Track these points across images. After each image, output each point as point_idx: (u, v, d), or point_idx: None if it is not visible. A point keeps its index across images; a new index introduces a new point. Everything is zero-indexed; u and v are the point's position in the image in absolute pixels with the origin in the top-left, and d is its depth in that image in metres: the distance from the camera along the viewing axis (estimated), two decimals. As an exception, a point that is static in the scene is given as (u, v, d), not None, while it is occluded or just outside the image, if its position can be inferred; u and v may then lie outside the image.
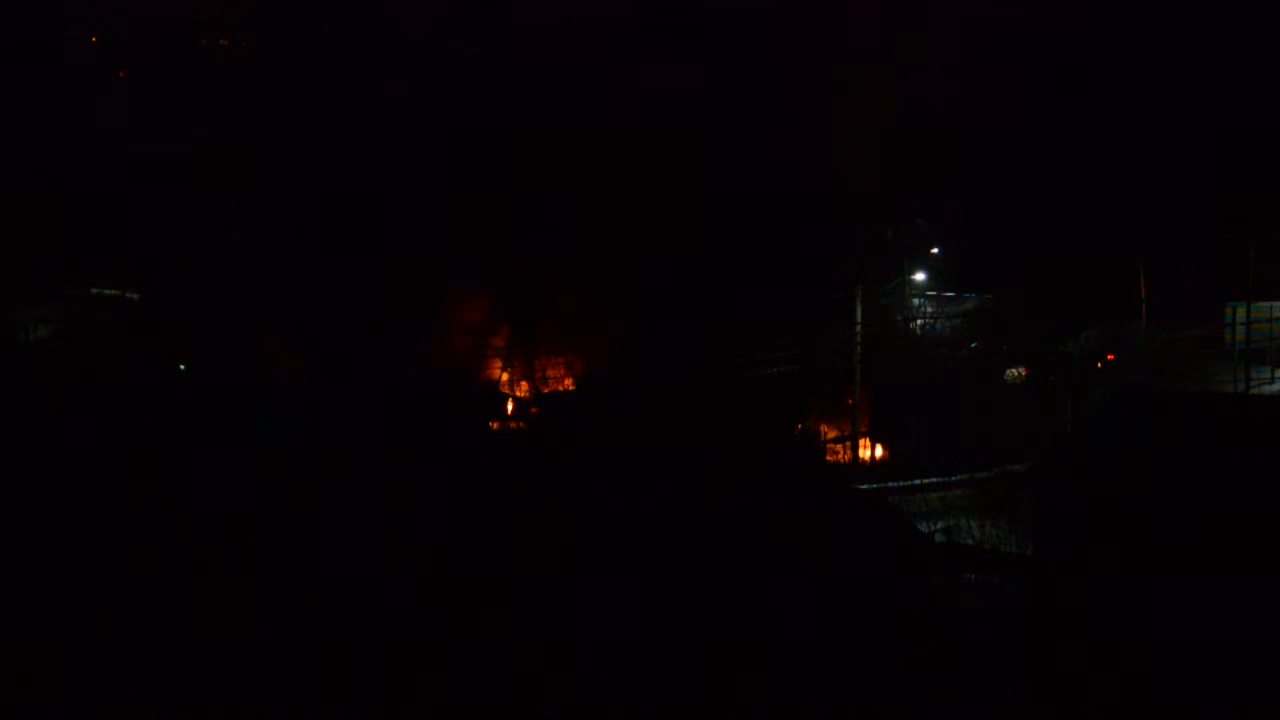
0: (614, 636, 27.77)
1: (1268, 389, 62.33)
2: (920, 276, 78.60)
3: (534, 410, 62.92)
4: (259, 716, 26.24)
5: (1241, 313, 65.49)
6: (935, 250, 79.73)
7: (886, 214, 73.42)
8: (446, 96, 66.74)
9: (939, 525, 41.81)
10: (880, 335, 65.50)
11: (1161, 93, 73.45)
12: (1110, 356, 68.74)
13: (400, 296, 61.32)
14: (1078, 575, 31.47)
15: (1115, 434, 34.65)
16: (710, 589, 29.58)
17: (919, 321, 74.00)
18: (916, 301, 77.23)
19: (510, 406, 63.53)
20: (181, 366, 59.05)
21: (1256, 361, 64.02)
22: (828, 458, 61.56)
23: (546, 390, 65.04)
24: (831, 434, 63.47)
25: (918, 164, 73.93)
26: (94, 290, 64.95)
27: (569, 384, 65.43)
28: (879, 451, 63.56)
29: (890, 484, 54.72)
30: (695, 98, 68.31)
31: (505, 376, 64.97)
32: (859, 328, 62.04)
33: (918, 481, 54.38)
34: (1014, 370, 69.05)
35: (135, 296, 65.53)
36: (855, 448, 62.73)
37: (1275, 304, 66.06)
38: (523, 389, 64.86)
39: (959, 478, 54.30)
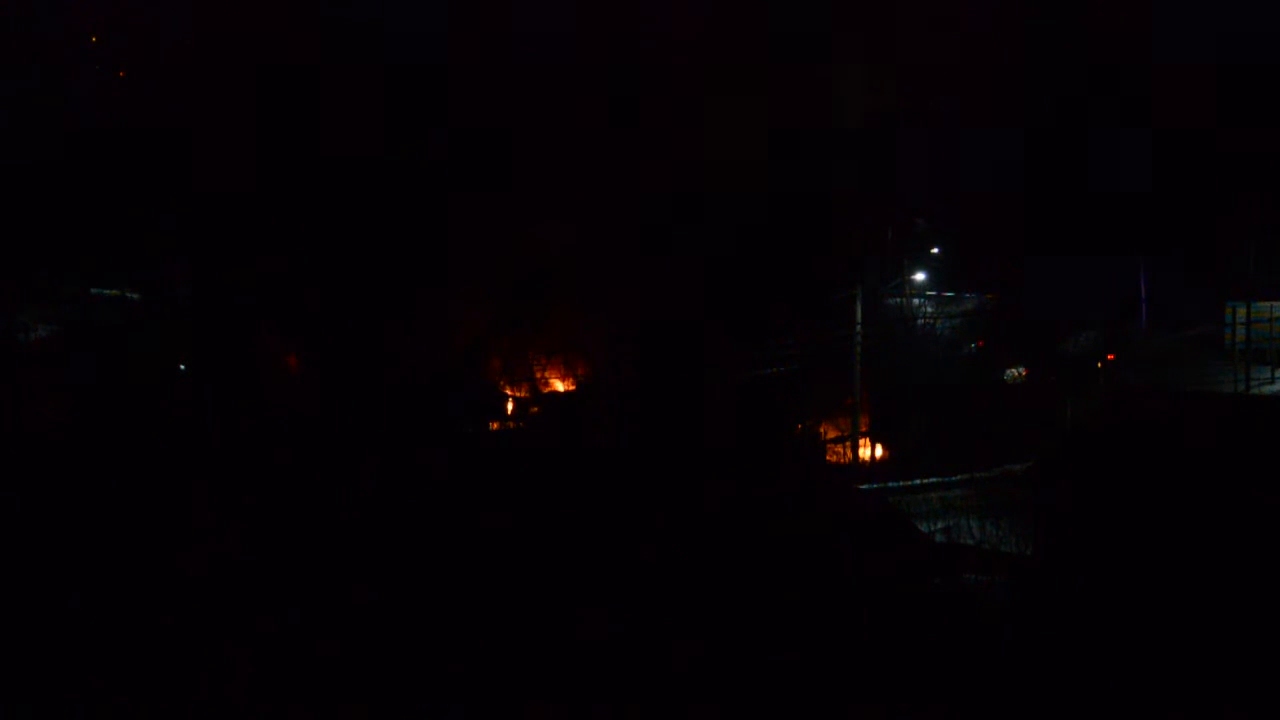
0: (612, 638, 27.77)
1: (1268, 389, 62.27)
2: (920, 276, 78.65)
3: (534, 410, 62.92)
4: (259, 716, 26.24)
5: (1241, 313, 65.41)
6: (935, 250, 79.77)
7: (886, 214, 73.48)
8: (445, 94, 66.77)
9: (939, 525, 41.78)
10: (880, 335, 65.56)
11: (1161, 91, 73.47)
12: (1110, 356, 68.76)
13: (400, 296, 61.34)
14: (1078, 575, 31.46)
15: (1115, 434, 34.65)
16: (709, 591, 29.58)
17: (919, 321, 74.03)
18: (916, 301, 77.28)
19: (510, 406, 63.52)
20: (181, 367, 59.04)
21: (1256, 361, 63.95)
22: (828, 458, 61.58)
23: (546, 390, 65.05)
24: (831, 434, 63.49)
25: (918, 164, 73.98)
26: (94, 290, 64.91)
27: (569, 384, 65.44)
28: (879, 451, 63.57)
29: (890, 484, 54.72)
30: (692, 96, 68.38)
31: (505, 377, 64.98)
32: (859, 328, 62.07)
33: (918, 481, 54.37)
34: (1014, 370, 69.09)
35: (135, 296, 65.50)
36: (855, 448, 62.75)
37: (1275, 304, 66.01)
38: (523, 389, 64.85)
39: (959, 478, 54.28)
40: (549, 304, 64.70)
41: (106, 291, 65.37)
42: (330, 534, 31.54)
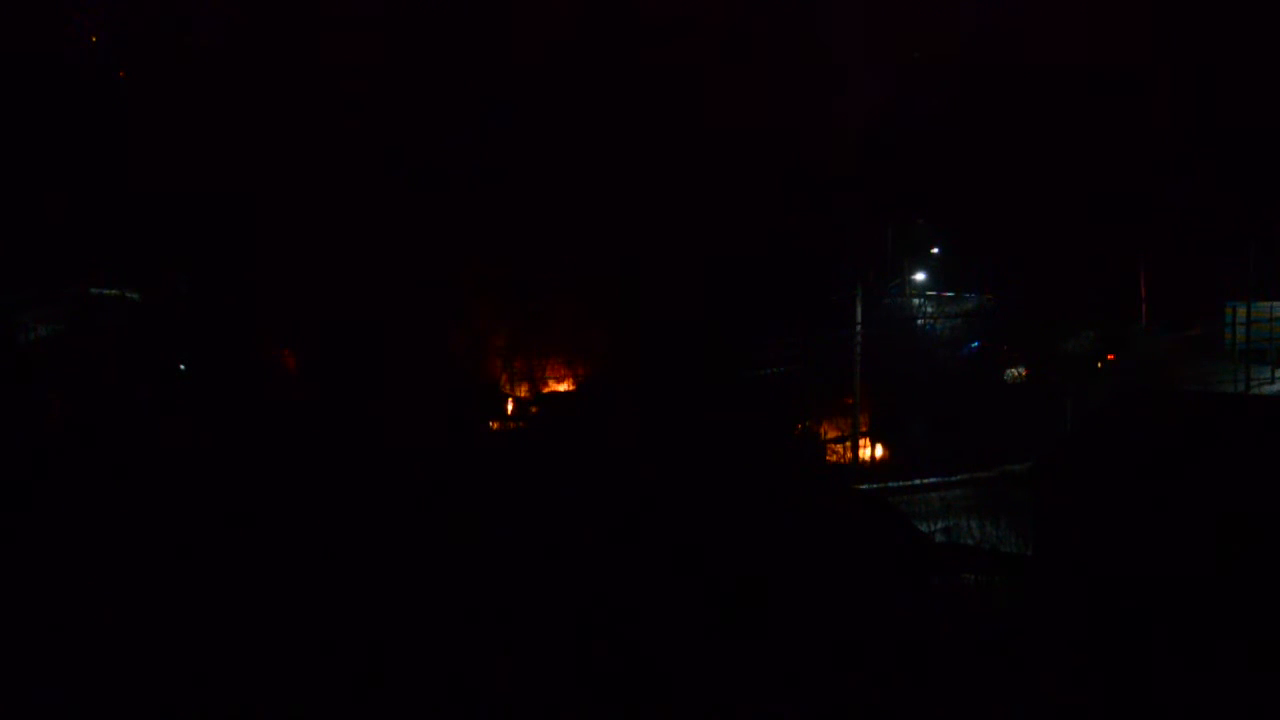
0: (609, 638, 27.76)
1: (1268, 389, 62.31)
2: (920, 276, 78.62)
3: (534, 410, 62.88)
4: (261, 717, 26.23)
5: (1241, 313, 65.45)
6: (935, 250, 79.76)
7: (886, 213, 73.46)
8: (444, 95, 66.76)
9: (939, 525, 41.73)
10: (880, 335, 65.45)
11: (1162, 91, 73.49)
12: (1110, 356, 68.72)
13: (400, 296, 61.29)
14: (1078, 575, 31.45)
15: (1115, 434, 34.62)
16: (709, 590, 29.56)
17: (919, 321, 73.98)
18: (916, 301, 77.24)
19: (510, 406, 63.48)
20: (181, 367, 59.04)
21: (1256, 361, 63.98)
22: (828, 458, 61.50)
23: (546, 390, 65.03)
24: (831, 434, 63.39)
25: (917, 163, 73.98)
26: (94, 290, 64.93)
27: (569, 384, 65.40)
28: (879, 451, 63.50)
29: (890, 484, 54.67)
30: (691, 96, 68.38)
31: (505, 377, 64.95)
32: (859, 328, 61.98)
33: (918, 481, 54.32)
34: (1014, 370, 69.00)
35: (135, 296, 65.51)
36: (855, 448, 62.66)
37: (1275, 304, 66.06)
38: (523, 389, 64.82)
39: (959, 478, 54.23)
40: (549, 303, 64.68)
41: (106, 291, 65.38)
42: (329, 533, 31.53)
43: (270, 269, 61.67)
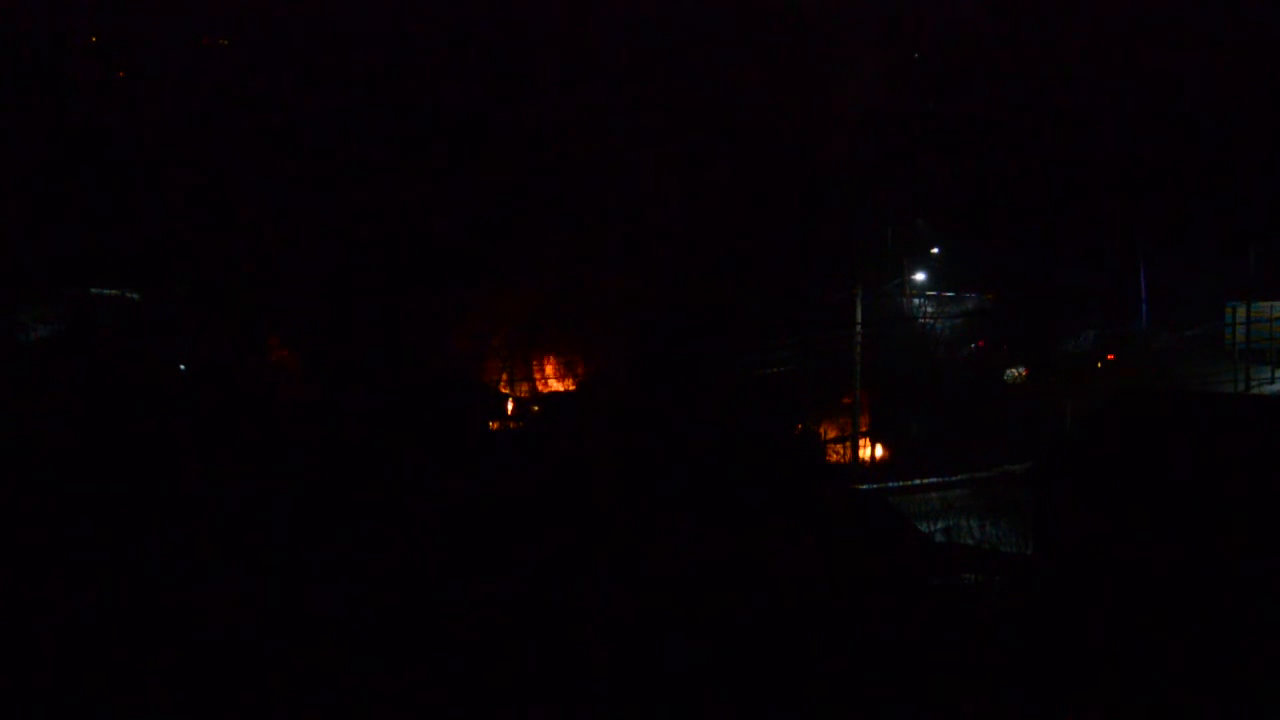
0: (609, 638, 27.78)
1: (1268, 389, 62.36)
2: (920, 276, 78.58)
3: (534, 410, 62.92)
4: (261, 716, 26.24)
5: (1241, 313, 65.53)
6: (935, 250, 79.74)
7: (886, 213, 73.48)
8: (448, 95, 66.80)
9: (939, 525, 41.77)
10: (880, 335, 65.50)
11: (1163, 92, 73.53)
12: (1110, 356, 68.77)
13: (401, 296, 61.32)
14: (1078, 575, 31.47)
15: (1115, 434, 34.66)
16: (709, 591, 29.58)
17: (919, 321, 73.98)
18: (916, 301, 77.23)
19: (510, 406, 63.50)
20: (182, 367, 59.02)
21: (1256, 361, 64.06)
22: (828, 458, 61.53)
23: (546, 390, 65.06)
24: (831, 434, 63.42)
25: (917, 162, 74.02)
26: (94, 290, 64.95)
27: (569, 384, 65.43)
28: (879, 451, 63.53)
29: (890, 484, 54.71)
30: (693, 97, 68.45)
31: (505, 376, 64.98)
32: (859, 328, 62.01)
33: (918, 481, 54.36)
34: (1014, 370, 69.05)
35: (135, 296, 65.52)
36: (855, 448, 62.68)
37: (1275, 304, 66.13)
38: (523, 389, 64.85)
39: (959, 478, 54.29)
40: (549, 303, 64.75)
41: (106, 291, 65.40)
42: (329, 533, 31.56)
43: (271, 269, 61.71)
